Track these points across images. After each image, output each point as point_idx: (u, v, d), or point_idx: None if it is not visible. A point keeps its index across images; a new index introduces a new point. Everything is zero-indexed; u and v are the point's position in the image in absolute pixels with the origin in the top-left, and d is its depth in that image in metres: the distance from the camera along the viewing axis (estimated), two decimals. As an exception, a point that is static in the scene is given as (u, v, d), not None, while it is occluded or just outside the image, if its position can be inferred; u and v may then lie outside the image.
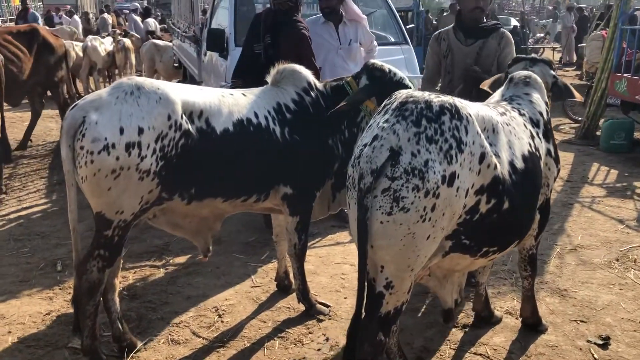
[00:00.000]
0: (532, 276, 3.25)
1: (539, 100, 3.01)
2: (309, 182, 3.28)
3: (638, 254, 4.35)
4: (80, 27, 16.51)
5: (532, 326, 3.31)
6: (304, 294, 3.47)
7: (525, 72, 3.10)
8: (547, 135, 2.96)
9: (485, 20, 4.10)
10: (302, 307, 3.53)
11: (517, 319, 3.43)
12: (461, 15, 4.10)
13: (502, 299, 3.69)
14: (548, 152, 2.93)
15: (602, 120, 8.25)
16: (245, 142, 3.05)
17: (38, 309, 3.58)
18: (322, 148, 3.29)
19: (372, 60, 3.51)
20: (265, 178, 3.19)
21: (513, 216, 2.57)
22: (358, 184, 2.26)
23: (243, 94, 3.21)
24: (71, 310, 3.41)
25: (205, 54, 6.72)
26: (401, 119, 2.28)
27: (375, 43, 5.12)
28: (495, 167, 2.43)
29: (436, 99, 2.35)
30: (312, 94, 3.33)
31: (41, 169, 6.75)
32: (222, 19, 6.36)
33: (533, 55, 3.43)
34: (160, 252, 4.42)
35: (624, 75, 7.82)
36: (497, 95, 3.12)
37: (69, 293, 3.75)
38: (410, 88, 3.37)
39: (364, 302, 2.37)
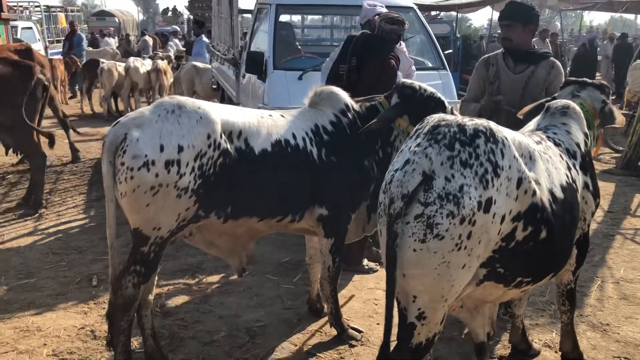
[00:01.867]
0: (571, 311, 3.13)
1: (577, 130, 2.90)
2: (344, 203, 3.26)
3: (684, 290, 4.17)
4: (112, 47, 17.27)
5: None
6: (336, 318, 3.43)
7: (563, 102, 3.00)
8: (585, 168, 2.84)
9: (534, 47, 3.99)
10: (334, 332, 3.49)
11: (556, 352, 3.32)
12: None
13: (541, 331, 3.57)
14: (585, 185, 2.82)
15: (645, 151, 8.03)
16: (282, 162, 3.06)
17: (73, 322, 3.62)
18: (358, 169, 3.28)
19: (402, 80, 3.50)
20: (301, 199, 3.19)
21: (549, 246, 2.48)
22: (388, 209, 2.20)
23: (282, 115, 3.23)
24: (105, 325, 3.46)
25: (243, 77, 6.81)
26: (434, 143, 2.23)
27: (413, 68, 5.12)
28: (534, 193, 2.35)
29: (470, 122, 2.29)
30: (349, 115, 3.33)
31: (80, 185, 6.90)
32: (262, 43, 6.45)
33: (584, 78, 3.32)
34: (194, 270, 4.44)
35: (669, 104, 7.63)
36: (532, 124, 3.04)
37: (104, 308, 3.78)
38: (443, 101, 3.34)
39: (391, 331, 2.29)
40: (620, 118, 3.16)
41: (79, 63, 12.89)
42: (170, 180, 2.73)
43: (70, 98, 13.72)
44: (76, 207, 6.06)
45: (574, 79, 3.31)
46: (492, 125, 2.33)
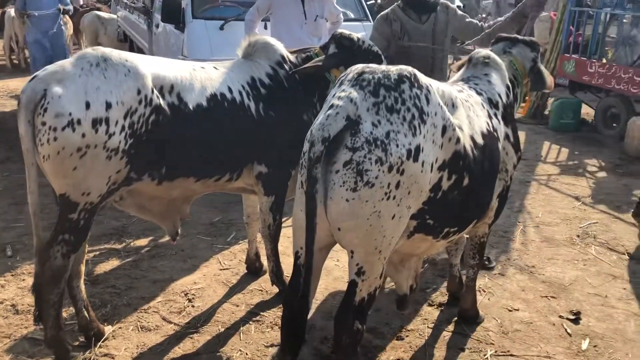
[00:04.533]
0: (478, 266, 3.15)
1: (499, 81, 2.92)
2: (284, 160, 3.15)
3: (596, 230, 4.48)
4: None
5: (470, 319, 3.18)
6: (278, 276, 3.36)
7: (484, 52, 3.01)
8: (506, 119, 2.85)
9: None
10: (275, 290, 3.43)
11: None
12: None
13: (474, 277, 3.70)
14: (506, 136, 2.84)
15: (550, 100, 8.47)
16: (219, 118, 2.89)
17: (-10, 297, 3.33)
18: (297, 124, 3.16)
19: (339, 30, 3.41)
20: (240, 156, 3.05)
21: (472, 193, 2.51)
22: (308, 153, 2.13)
23: (215, 68, 3.04)
24: (27, 299, 3.22)
25: (157, 26, 6.40)
26: (358, 89, 2.18)
27: (341, 16, 5.03)
28: (458, 141, 2.35)
29: (394, 68, 2.27)
30: (286, 67, 3.19)
31: (-21, 147, 6.30)
32: (176, -10, 6.05)
33: (515, 35, 3.35)
34: (119, 234, 4.20)
35: (573, 56, 8.04)
36: (456, 76, 3.06)
37: (23, 280, 3.51)
38: (380, 55, 3.30)
39: (310, 280, 2.26)
40: (549, 81, 3.15)
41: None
42: (99, 141, 2.51)
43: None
44: (-23, 171, 5.53)
45: (505, 35, 3.30)
46: (416, 71, 2.30)
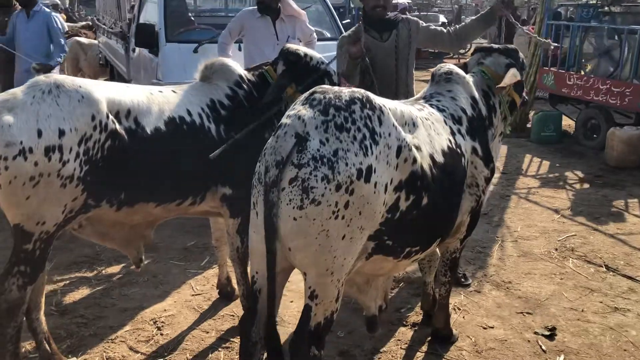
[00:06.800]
0: (450, 283, 3.08)
1: (463, 96, 2.86)
2: (249, 180, 3.09)
3: (575, 243, 4.44)
4: None
5: (443, 338, 3.12)
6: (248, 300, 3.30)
7: (446, 68, 2.96)
8: (473, 133, 2.79)
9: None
10: (245, 314, 3.36)
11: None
12: (366, 14, 3.97)
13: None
14: (474, 151, 2.77)
15: (531, 113, 8.49)
16: (178, 141, 2.86)
17: (-48, 332, 3.23)
18: (259, 143, 3.11)
19: (287, 45, 3.39)
20: (202, 179, 3.01)
21: (433, 213, 2.44)
22: (264, 178, 2.10)
23: (173, 91, 3.02)
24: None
25: (134, 51, 6.40)
26: (308, 107, 2.16)
27: (314, 35, 5.01)
28: (414, 161, 2.31)
29: (347, 90, 2.25)
30: (245, 87, 3.17)
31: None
32: (152, 14, 6.06)
33: (492, 45, 3.27)
34: (91, 262, 4.13)
35: (551, 69, 8.08)
36: (418, 94, 3.03)
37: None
38: (329, 72, 3.28)
39: (274, 304, 2.20)
40: (507, 79, 2.94)
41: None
42: (52, 169, 2.46)
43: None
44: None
45: (482, 45, 3.24)
46: (370, 94, 2.28)
